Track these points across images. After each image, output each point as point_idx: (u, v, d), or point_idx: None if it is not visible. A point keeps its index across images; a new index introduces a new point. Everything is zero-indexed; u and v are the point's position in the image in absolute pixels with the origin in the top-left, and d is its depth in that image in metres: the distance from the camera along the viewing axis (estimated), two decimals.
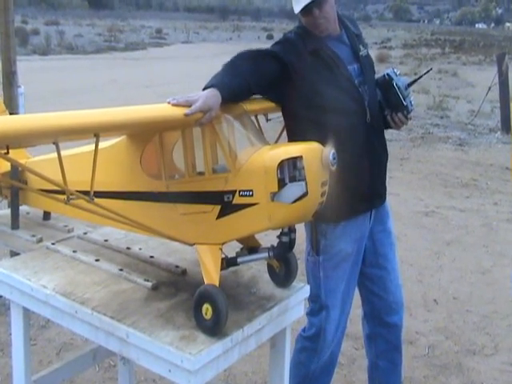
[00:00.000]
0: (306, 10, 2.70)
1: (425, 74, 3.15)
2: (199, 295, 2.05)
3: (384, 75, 2.89)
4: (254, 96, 2.61)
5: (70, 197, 1.94)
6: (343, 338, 3.17)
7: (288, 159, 2.02)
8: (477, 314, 4.85)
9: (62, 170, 1.88)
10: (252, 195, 2.06)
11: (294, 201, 2.02)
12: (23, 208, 3.04)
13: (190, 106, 2.08)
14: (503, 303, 4.99)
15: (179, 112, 2.07)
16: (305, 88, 2.70)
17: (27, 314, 2.59)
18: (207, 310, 2.01)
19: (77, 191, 1.95)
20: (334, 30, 2.83)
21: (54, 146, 1.87)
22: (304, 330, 3.09)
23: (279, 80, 2.66)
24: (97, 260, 2.61)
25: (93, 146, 2.26)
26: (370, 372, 3.34)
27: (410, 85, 2.90)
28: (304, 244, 2.96)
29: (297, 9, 2.72)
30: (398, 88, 2.83)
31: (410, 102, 2.88)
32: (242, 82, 2.42)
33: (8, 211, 3.04)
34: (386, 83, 2.87)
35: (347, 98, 2.76)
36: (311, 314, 3.01)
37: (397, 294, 3.13)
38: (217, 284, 2.08)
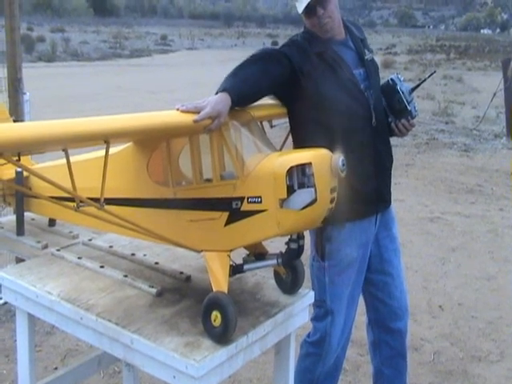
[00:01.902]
0: (309, 9, 2.71)
1: (429, 76, 3.15)
2: (209, 302, 2.05)
3: (388, 80, 2.89)
4: (260, 102, 2.61)
5: (80, 204, 1.94)
6: (348, 344, 3.16)
7: (297, 166, 2.01)
8: (482, 320, 4.84)
9: (71, 177, 1.89)
10: (261, 202, 2.06)
11: (303, 207, 2.01)
12: (28, 214, 3.05)
13: (198, 113, 2.09)
14: (509, 309, 4.97)
15: (188, 118, 2.08)
16: (310, 90, 2.70)
17: (32, 320, 2.59)
18: (216, 318, 2.01)
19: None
20: (339, 33, 2.84)
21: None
22: (309, 336, 3.09)
23: (287, 82, 2.67)
24: (101, 266, 2.61)
25: (97, 153, 2.27)
26: (375, 379, 3.33)
27: (413, 89, 2.91)
28: (309, 249, 2.96)
29: (300, 8, 2.73)
30: (402, 93, 2.84)
31: (414, 108, 2.88)
32: (252, 85, 2.43)
33: (13, 217, 3.05)
34: (390, 88, 2.87)
35: (352, 102, 2.76)
36: (316, 319, 3.01)
37: (401, 300, 3.12)
38: (226, 291, 2.08)
